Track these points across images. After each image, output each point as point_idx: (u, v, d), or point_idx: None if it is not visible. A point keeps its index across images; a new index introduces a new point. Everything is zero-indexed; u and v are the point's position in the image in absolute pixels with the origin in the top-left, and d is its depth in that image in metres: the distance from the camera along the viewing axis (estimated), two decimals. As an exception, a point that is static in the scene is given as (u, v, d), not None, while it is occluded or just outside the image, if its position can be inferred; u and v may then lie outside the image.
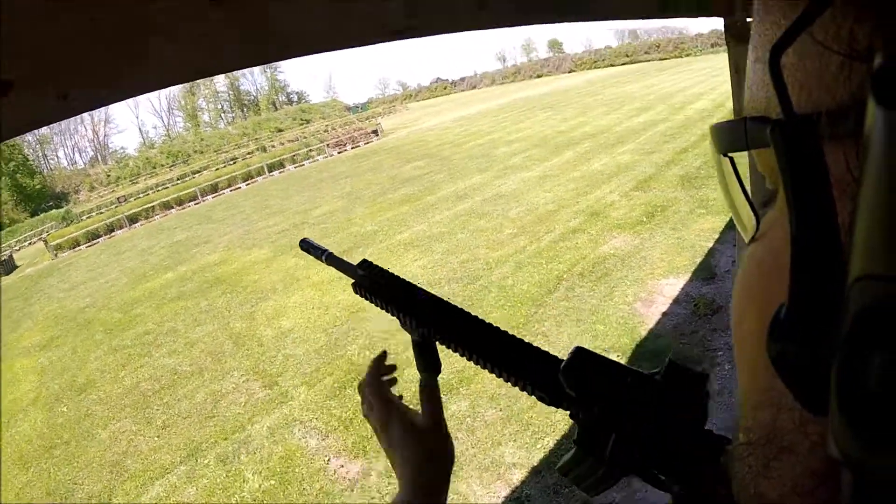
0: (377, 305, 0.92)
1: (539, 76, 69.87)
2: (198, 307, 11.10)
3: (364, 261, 0.96)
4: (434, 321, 0.83)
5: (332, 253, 1.00)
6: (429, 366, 0.92)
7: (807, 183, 0.23)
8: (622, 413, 0.59)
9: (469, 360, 0.78)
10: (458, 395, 5.70)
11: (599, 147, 16.11)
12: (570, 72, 65.18)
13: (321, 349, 7.73)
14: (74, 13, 0.88)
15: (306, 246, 1.05)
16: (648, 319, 6.19)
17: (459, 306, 0.82)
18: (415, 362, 0.91)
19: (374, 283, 0.93)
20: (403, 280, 0.90)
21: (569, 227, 9.78)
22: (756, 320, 0.29)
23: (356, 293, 0.95)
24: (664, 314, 6.19)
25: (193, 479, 5.74)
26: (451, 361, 4.42)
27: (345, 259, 0.98)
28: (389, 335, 7.41)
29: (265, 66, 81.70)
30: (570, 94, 35.54)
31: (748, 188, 0.35)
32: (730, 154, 0.34)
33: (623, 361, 5.39)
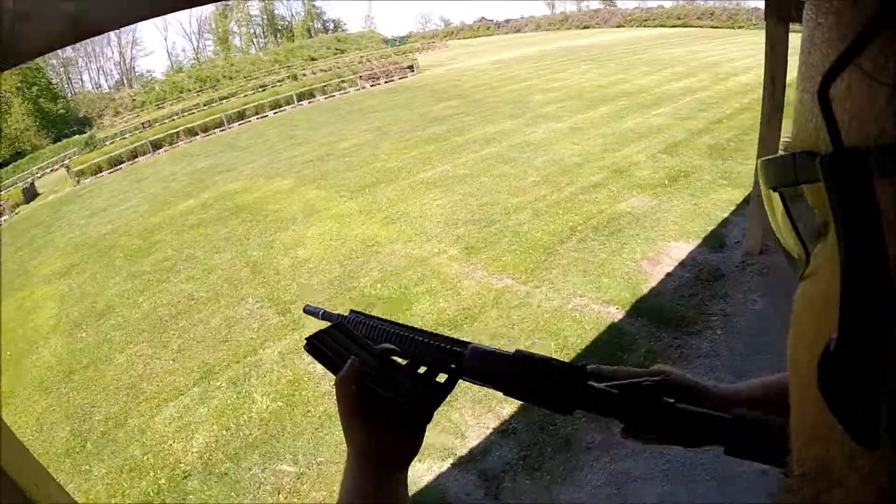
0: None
1: (586, 27, 67.90)
2: (217, 234, 11.25)
3: (352, 311, 1.02)
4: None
5: (327, 311, 1.08)
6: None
7: (856, 215, 0.23)
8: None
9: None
10: (462, 332, 5.84)
11: (635, 106, 15.87)
12: (618, 26, 63.29)
13: (335, 280, 7.91)
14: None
15: (309, 310, 1.13)
16: (652, 278, 6.30)
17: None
18: None
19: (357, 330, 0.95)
20: (383, 321, 0.96)
21: (591, 181, 9.81)
22: (807, 357, 0.30)
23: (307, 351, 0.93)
24: (668, 275, 6.29)
25: (205, 400, 5.97)
26: (459, 300, 4.62)
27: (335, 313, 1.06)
28: (402, 269, 7.57)
29: None
30: (614, 50, 34.68)
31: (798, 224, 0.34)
32: (780, 189, 0.34)
33: (622, 315, 5.68)
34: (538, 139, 13.65)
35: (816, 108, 0.25)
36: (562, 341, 5.48)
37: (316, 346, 0.90)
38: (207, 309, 8.06)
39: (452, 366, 0.80)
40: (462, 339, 0.83)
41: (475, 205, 9.68)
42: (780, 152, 0.33)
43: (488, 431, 4.60)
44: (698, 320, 5.37)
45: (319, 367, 5.81)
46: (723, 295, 5.73)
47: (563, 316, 5.90)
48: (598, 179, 9.84)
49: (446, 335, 0.85)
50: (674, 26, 55.44)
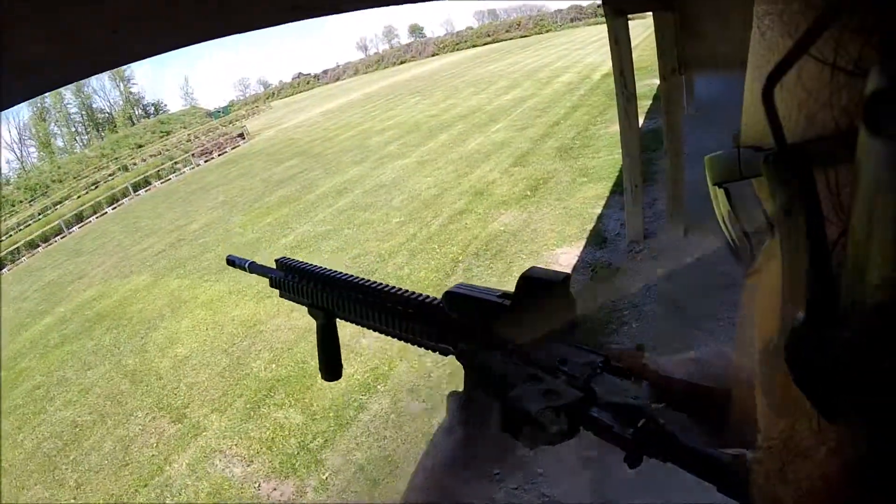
0: (291, 299, 1.03)
1: (402, 62, 69.74)
2: (84, 349, 10.26)
3: (280, 259, 1.07)
4: (336, 299, 0.92)
5: (254, 262, 1.15)
6: (329, 354, 1.04)
7: (802, 210, 0.23)
8: (498, 333, 0.67)
9: (368, 328, 0.87)
10: (378, 393, 5.62)
11: (473, 127, 16.24)
12: (433, 55, 65.47)
13: (224, 371, 7.37)
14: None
15: (231, 261, 1.21)
16: None
17: (366, 279, 0.89)
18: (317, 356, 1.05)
19: (287, 277, 1.03)
20: (318, 268, 0.98)
21: (455, 209, 9.80)
22: (761, 342, 0.31)
23: (273, 287, 1.07)
24: (565, 283, 6.26)
25: None
26: (364, 360, 4.37)
27: (265, 266, 1.11)
28: (292, 344, 7.17)
29: (117, 79, 78.06)
30: (436, 78, 35.72)
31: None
32: (725, 185, 0.35)
33: None
34: (389, 179, 13.63)
35: (762, 106, 0.25)
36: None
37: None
38: (96, 433, 7.23)
39: None
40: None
41: (347, 259, 9.39)
42: (721, 151, 0.34)
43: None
44: (611, 319, 5.37)
45: (237, 471, 5.41)
46: (623, 288, 5.77)
47: (476, 350, 5.68)
48: (462, 205, 9.84)
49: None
50: (486, 44, 57.85)
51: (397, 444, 4.88)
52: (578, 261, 6.59)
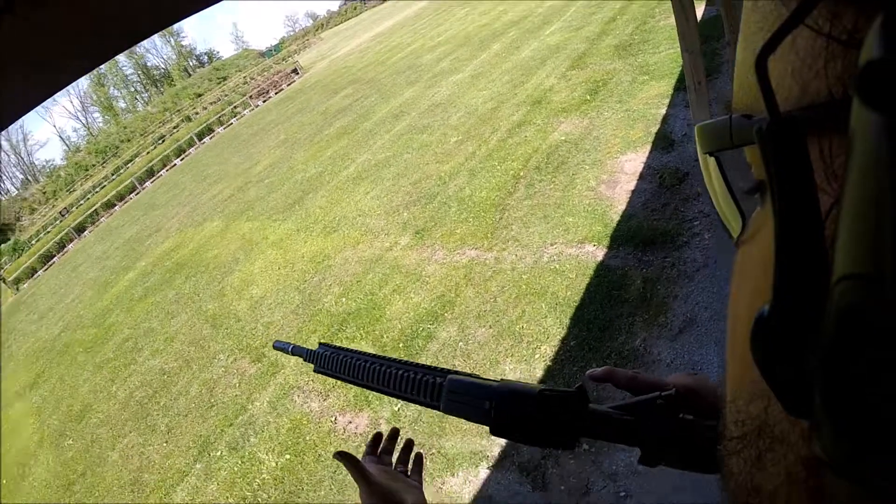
0: (339, 379, 1.03)
1: (448, -26, 67.71)
2: (167, 299, 10.72)
3: (321, 344, 1.08)
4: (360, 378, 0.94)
5: (296, 345, 1.15)
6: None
7: (792, 184, 0.22)
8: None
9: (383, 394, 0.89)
10: (445, 321, 5.55)
11: (525, 33, 15.60)
12: (478, -37, 63.22)
13: (297, 308, 7.49)
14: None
15: (279, 346, 1.22)
16: (616, 201, 5.91)
17: (384, 358, 0.91)
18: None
19: (329, 363, 1.02)
20: (353, 352, 1.00)
21: (513, 121, 9.46)
22: (746, 320, 0.28)
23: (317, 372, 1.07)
24: (631, 192, 5.92)
25: (211, 474, 5.59)
26: (430, 289, 4.22)
27: (304, 346, 1.13)
28: (361, 276, 7.15)
29: (167, 35, 78.78)
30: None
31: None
32: (716, 153, 0.34)
33: (602, 251, 5.24)
34: (444, 97, 13.31)
35: (754, 74, 0.24)
36: (551, 300, 5.04)
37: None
38: (182, 379, 7.64)
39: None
40: (441, 366, 0.81)
41: (408, 185, 9.28)
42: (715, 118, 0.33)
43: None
44: (681, 230, 5.02)
45: (315, 406, 5.51)
46: (695, 195, 5.36)
47: (543, 271, 5.49)
48: (520, 117, 9.48)
49: (423, 364, 0.84)
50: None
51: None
52: (644, 167, 6.19)
